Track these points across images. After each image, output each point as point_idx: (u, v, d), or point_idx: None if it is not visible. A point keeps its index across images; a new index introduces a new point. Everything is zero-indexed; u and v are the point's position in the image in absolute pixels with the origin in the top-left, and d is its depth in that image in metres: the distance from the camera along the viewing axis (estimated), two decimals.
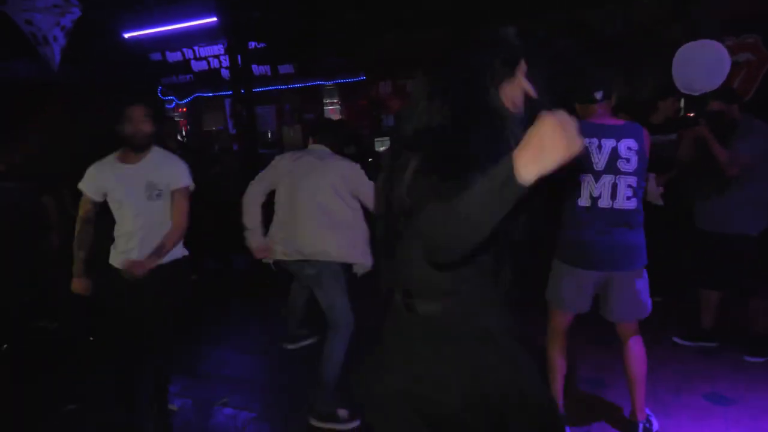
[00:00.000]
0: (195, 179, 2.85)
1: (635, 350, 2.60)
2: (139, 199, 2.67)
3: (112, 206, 2.73)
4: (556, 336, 2.69)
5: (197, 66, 11.13)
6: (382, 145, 8.94)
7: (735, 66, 6.21)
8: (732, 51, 6.17)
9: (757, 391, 3.02)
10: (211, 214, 5.98)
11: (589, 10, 6.77)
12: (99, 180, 2.72)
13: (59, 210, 3.98)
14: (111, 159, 2.74)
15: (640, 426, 2.64)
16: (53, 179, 4.07)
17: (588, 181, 2.40)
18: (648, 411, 2.70)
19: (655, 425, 2.68)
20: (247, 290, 5.62)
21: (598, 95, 2.46)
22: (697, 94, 3.53)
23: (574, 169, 2.32)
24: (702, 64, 3.52)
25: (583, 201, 2.43)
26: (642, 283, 2.54)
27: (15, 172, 3.80)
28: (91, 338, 4.11)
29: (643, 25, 6.33)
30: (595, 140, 2.39)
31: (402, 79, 8.89)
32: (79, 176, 2.74)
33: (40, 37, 5.25)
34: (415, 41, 7.94)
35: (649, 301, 2.58)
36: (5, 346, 3.99)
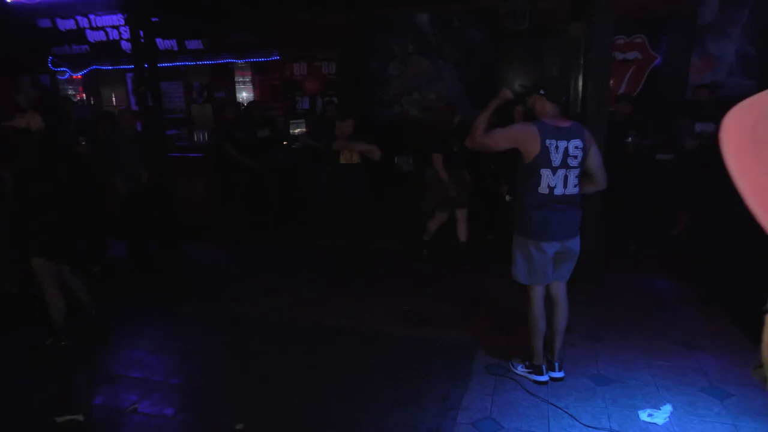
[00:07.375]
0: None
1: (566, 305, 3.26)
2: None
3: None
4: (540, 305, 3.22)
5: (93, 36, 10.26)
6: (297, 128, 8.75)
7: (625, 63, 6.75)
8: (622, 49, 6.71)
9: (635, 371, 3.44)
10: (118, 200, 5.68)
11: (500, 2, 7.01)
12: None
13: None
14: None
15: (556, 364, 3.32)
16: None
17: (547, 174, 2.94)
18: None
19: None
20: (157, 281, 5.43)
21: (563, 99, 3.02)
22: None
23: (538, 165, 2.92)
24: None
25: (543, 189, 2.97)
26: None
27: None
28: None
29: (546, 22, 6.67)
30: (553, 142, 2.92)
31: (318, 60, 8.72)
32: None
33: None
34: (330, 23, 7.84)
35: None
36: None
